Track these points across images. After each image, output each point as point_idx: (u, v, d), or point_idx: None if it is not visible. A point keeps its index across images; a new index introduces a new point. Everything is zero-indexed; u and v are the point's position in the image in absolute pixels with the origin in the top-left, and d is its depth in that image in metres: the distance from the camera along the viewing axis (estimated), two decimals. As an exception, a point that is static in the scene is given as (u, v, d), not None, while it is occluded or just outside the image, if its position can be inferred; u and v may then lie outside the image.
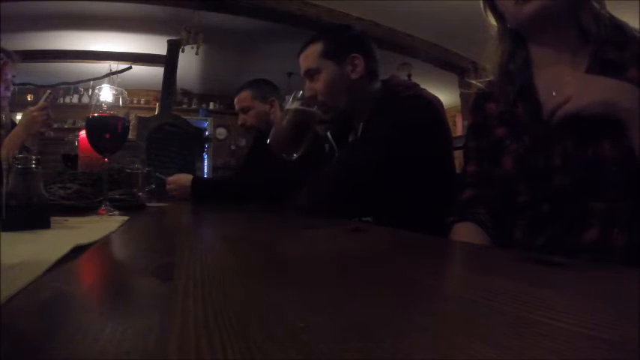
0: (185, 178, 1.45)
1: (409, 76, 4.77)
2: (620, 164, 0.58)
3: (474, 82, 0.82)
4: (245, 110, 1.68)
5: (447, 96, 6.23)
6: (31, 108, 1.50)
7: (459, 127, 5.34)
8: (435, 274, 0.35)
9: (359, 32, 1.12)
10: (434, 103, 1.00)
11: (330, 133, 1.14)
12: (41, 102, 1.54)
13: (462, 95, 4.43)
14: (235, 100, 1.72)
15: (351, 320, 0.20)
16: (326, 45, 1.05)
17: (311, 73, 1.06)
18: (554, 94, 0.63)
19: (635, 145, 0.57)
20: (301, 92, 0.98)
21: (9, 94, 1.57)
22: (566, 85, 0.62)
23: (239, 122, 1.74)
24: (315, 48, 1.06)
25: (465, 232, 0.71)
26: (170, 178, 1.49)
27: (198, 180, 1.46)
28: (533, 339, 0.18)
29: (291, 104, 0.94)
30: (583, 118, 0.59)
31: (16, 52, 1.66)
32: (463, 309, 0.23)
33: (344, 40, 1.07)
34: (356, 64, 1.04)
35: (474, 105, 0.82)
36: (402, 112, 0.96)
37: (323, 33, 1.10)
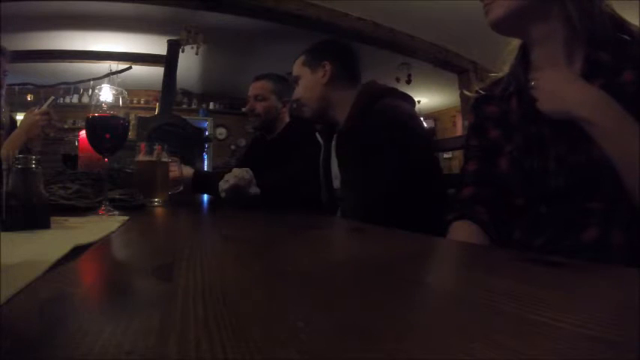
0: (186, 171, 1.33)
1: (409, 76, 4.76)
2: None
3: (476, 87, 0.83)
4: (258, 98, 1.66)
5: (446, 96, 6.21)
6: (34, 112, 1.50)
7: (458, 127, 5.33)
8: (435, 274, 0.35)
9: (335, 42, 1.28)
10: (404, 114, 1.06)
11: (319, 133, 1.30)
12: (44, 107, 1.54)
13: (461, 95, 4.42)
14: (252, 85, 1.70)
15: (351, 320, 0.20)
16: (307, 55, 1.24)
17: (295, 80, 1.25)
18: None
19: (607, 154, 0.57)
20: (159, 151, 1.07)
21: (3, 91, 1.56)
22: (537, 91, 0.63)
23: (245, 108, 1.73)
24: (301, 58, 1.25)
25: (464, 231, 0.71)
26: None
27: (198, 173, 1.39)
28: (533, 339, 0.18)
29: (142, 155, 1.05)
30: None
31: (13, 51, 1.65)
32: (463, 309, 0.23)
33: (319, 49, 1.24)
34: (326, 70, 1.18)
35: (475, 104, 0.82)
36: (373, 130, 1.03)
37: (310, 46, 1.28)
